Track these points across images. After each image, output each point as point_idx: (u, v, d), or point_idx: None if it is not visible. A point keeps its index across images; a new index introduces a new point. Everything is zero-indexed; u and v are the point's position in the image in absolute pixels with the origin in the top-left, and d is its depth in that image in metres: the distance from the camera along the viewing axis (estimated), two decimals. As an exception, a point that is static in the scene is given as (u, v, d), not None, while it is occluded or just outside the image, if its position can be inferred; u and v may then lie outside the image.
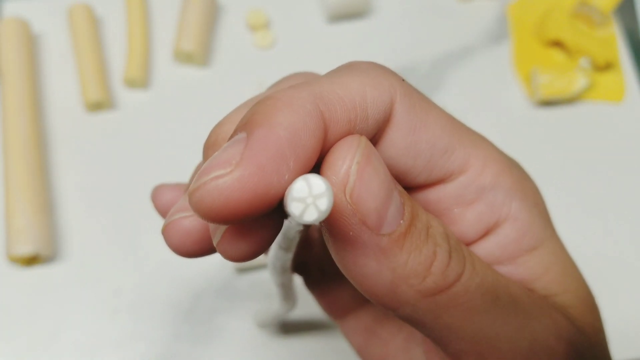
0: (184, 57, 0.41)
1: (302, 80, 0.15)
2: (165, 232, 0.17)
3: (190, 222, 0.17)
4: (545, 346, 0.16)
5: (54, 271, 0.36)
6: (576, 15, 0.43)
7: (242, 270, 0.36)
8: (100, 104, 0.40)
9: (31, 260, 0.36)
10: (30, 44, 0.41)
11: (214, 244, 0.15)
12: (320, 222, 0.14)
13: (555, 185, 0.39)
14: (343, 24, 0.44)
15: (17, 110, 0.38)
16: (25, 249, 0.35)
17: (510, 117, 0.41)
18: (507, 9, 0.45)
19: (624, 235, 0.38)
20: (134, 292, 0.36)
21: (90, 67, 0.40)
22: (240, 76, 0.42)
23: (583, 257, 0.23)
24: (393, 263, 0.14)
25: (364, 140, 0.14)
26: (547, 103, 0.42)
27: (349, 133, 0.15)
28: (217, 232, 0.15)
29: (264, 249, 0.15)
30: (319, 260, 0.23)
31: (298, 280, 0.24)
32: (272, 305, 0.27)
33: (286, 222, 0.15)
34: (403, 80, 0.16)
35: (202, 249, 0.17)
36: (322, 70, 0.18)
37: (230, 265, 0.36)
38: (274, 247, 0.18)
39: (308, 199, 0.13)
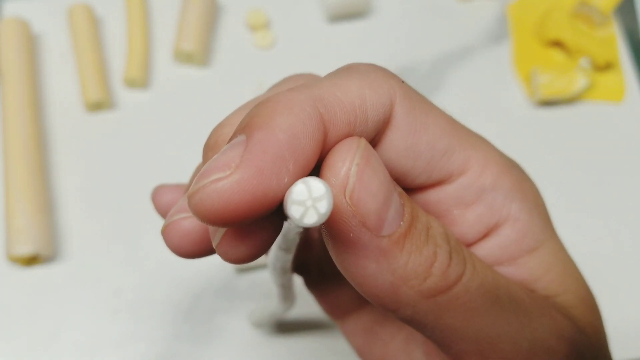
0: (184, 57, 0.41)
1: (302, 82, 0.15)
2: (164, 232, 0.17)
3: (189, 223, 0.17)
4: (546, 346, 0.16)
5: (54, 271, 0.36)
6: (576, 15, 0.43)
7: (242, 271, 0.36)
8: (100, 104, 0.40)
9: (31, 260, 0.36)
10: (30, 44, 0.41)
11: (214, 245, 0.15)
12: (320, 224, 0.14)
13: (555, 185, 0.39)
14: (343, 24, 0.44)
15: (17, 110, 0.38)
16: (25, 249, 0.35)
17: (510, 117, 0.41)
18: (507, 9, 0.45)
19: (624, 235, 0.38)
20: (133, 292, 0.36)
21: (90, 67, 0.40)
22: (240, 76, 0.42)
23: (583, 256, 0.23)
24: (393, 264, 0.14)
25: (363, 142, 0.14)
26: (547, 103, 0.42)
27: (348, 135, 0.15)
28: (217, 234, 0.15)
29: (263, 251, 0.15)
30: (319, 260, 0.23)
31: (298, 281, 0.24)
32: (268, 304, 0.27)
33: (286, 224, 0.15)
34: (403, 82, 0.16)
35: (201, 250, 0.17)
36: (322, 70, 0.18)
37: (230, 265, 0.36)
38: (274, 248, 0.18)
39: (308, 202, 0.13)
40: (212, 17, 0.43)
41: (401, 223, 0.14)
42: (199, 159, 0.19)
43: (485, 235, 0.18)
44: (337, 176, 0.14)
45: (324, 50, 0.43)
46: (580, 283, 0.18)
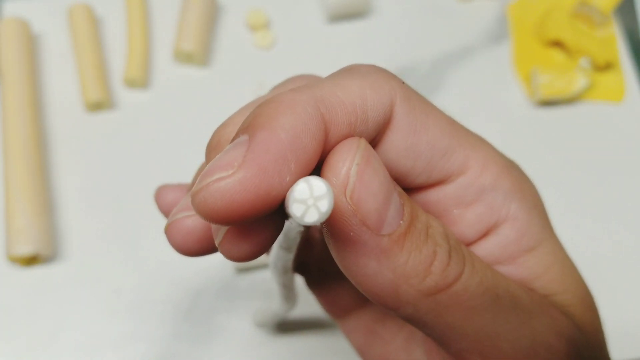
0: (184, 57, 0.41)
1: (304, 83, 0.15)
2: (167, 231, 0.17)
3: (192, 222, 0.17)
4: (545, 344, 0.16)
5: (54, 271, 0.36)
6: (576, 15, 0.43)
7: (242, 270, 0.36)
8: (100, 104, 0.40)
9: (31, 260, 0.36)
10: (30, 44, 0.41)
11: (216, 243, 0.15)
12: (321, 223, 0.14)
13: (555, 185, 0.39)
14: (343, 24, 0.44)
15: (17, 110, 0.38)
16: (25, 249, 0.35)
17: (510, 117, 0.41)
18: (507, 9, 0.45)
19: (624, 235, 0.38)
20: (133, 292, 0.36)
21: (90, 67, 0.40)
22: (240, 76, 0.42)
23: (582, 256, 0.23)
24: (393, 263, 0.15)
25: (363, 143, 0.14)
26: (547, 103, 0.42)
27: (349, 135, 0.15)
28: (219, 232, 0.15)
29: (265, 249, 0.15)
30: (320, 260, 0.23)
31: (299, 280, 0.24)
32: (272, 304, 0.27)
33: (287, 223, 0.15)
34: (403, 83, 0.16)
35: (204, 248, 0.17)
36: (323, 70, 0.18)
37: (230, 265, 0.36)
38: (275, 247, 0.18)
39: (309, 201, 0.13)
40: (212, 17, 0.43)
41: (401, 222, 0.15)
42: (199, 158, 0.19)
43: (484, 235, 0.18)
44: (337, 176, 0.14)
45: (324, 50, 0.43)
46: (578, 282, 0.18)
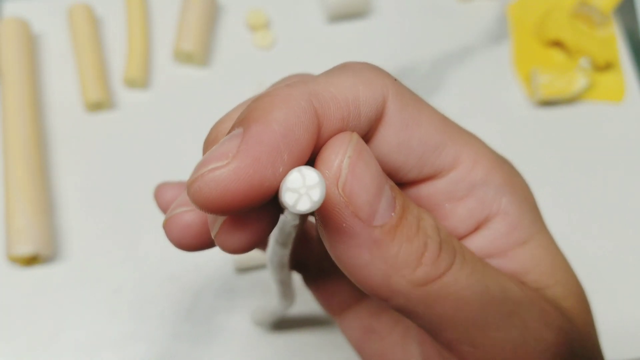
0: (184, 57, 0.41)
1: (298, 80, 0.16)
2: (166, 225, 0.18)
3: (190, 216, 0.17)
4: (535, 335, 0.16)
5: (54, 271, 0.36)
6: (576, 15, 0.43)
7: (241, 270, 0.36)
8: (100, 104, 0.40)
9: (31, 260, 0.36)
10: (30, 44, 0.41)
11: (212, 235, 0.15)
12: (315, 215, 0.15)
13: (554, 185, 0.39)
14: (343, 24, 0.44)
15: (17, 110, 0.38)
16: (25, 249, 0.35)
17: (510, 117, 0.41)
18: (507, 9, 0.45)
19: (624, 235, 0.38)
20: (133, 292, 0.36)
21: (90, 67, 0.40)
22: (240, 76, 0.42)
23: (582, 256, 0.23)
24: (385, 254, 0.15)
25: (355, 137, 0.15)
26: (547, 103, 0.42)
27: (342, 130, 0.15)
28: (215, 224, 0.15)
29: (260, 241, 0.15)
30: (317, 258, 0.23)
31: (297, 278, 0.24)
32: (270, 302, 0.27)
33: (282, 217, 0.16)
34: (395, 80, 0.17)
35: (201, 242, 0.18)
36: (322, 70, 0.18)
37: (230, 265, 0.36)
38: (271, 243, 0.19)
39: (302, 190, 0.13)
40: (212, 17, 0.43)
41: (393, 214, 0.15)
42: (199, 158, 0.19)
43: (476, 229, 0.18)
44: (330, 168, 0.14)
45: (324, 50, 0.43)
46: (570, 276, 0.19)
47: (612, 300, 0.36)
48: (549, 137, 0.41)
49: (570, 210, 0.39)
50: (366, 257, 0.15)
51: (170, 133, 0.40)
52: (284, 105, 0.14)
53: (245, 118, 0.14)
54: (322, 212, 0.15)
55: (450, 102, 0.41)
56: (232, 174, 0.13)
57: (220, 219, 0.15)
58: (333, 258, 0.16)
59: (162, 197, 0.20)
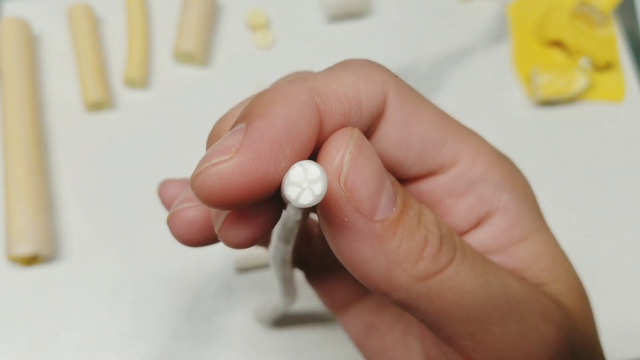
0: (184, 57, 0.42)
1: (300, 77, 0.16)
2: (170, 221, 0.18)
3: (193, 212, 0.17)
4: (535, 330, 0.16)
5: (54, 271, 0.36)
6: (576, 15, 0.43)
7: (242, 270, 0.36)
8: (100, 104, 0.40)
9: (31, 260, 0.36)
10: (30, 44, 0.41)
11: (215, 230, 0.16)
12: (317, 210, 0.15)
13: (554, 185, 0.39)
14: (343, 24, 0.44)
15: (17, 110, 0.38)
16: (25, 249, 0.35)
17: (510, 117, 0.41)
18: (507, 9, 0.45)
19: (624, 235, 0.38)
20: (133, 292, 0.36)
21: (90, 67, 0.40)
22: (240, 76, 0.42)
23: (583, 256, 0.23)
24: (386, 248, 0.15)
25: (356, 132, 0.15)
26: (547, 103, 0.42)
27: (343, 126, 0.15)
28: (219, 219, 0.15)
29: (262, 235, 0.15)
30: (318, 255, 0.23)
31: (299, 275, 0.24)
32: (272, 299, 0.27)
33: (284, 213, 0.16)
34: (396, 76, 0.17)
35: (205, 238, 0.18)
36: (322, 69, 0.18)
37: (230, 265, 0.36)
38: (274, 240, 0.19)
39: (304, 184, 0.13)
40: (212, 17, 0.43)
41: (394, 209, 0.15)
42: (199, 158, 0.19)
43: (476, 225, 0.18)
44: (331, 163, 0.15)
45: (324, 50, 0.43)
46: (569, 272, 0.19)
47: (612, 299, 0.36)
48: (549, 137, 0.41)
49: (570, 209, 0.39)
50: (367, 251, 0.15)
51: (170, 133, 0.40)
52: (286, 100, 0.14)
53: (247, 114, 0.14)
54: (324, 206, 0.15)
55: (450, 102, 0.41)
56: (235, 168, 0.13)
57: (224, 214, 0.15)
58: (335, 252, 0.16)
59: (166, 193, 0.20)
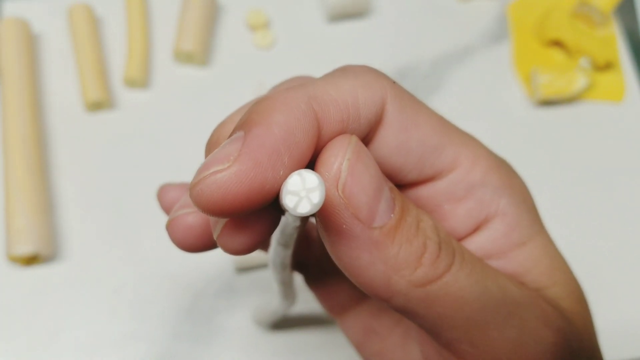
0: (184, 57, 0.42)
1: (299, 83, 0.16)
2: (169, 227, 0.18)
3: (193, 218, 0.17)
4: (534, 335, 0.16)
5: (54, 271, 0.36)
6: (576, 15, 0.43)
7: (242, 270, 0.36)
8: (100, 104, 0.40)
9: (31, 260, 0.36)
10: (30, 44, 0.41)
11: (214, 237, 0.16)
12: (315, 216, 0.15)
13: (554, 185, 0.39)
14: (343, 24, 0.44)
15: (17, 110, 0.38)
16: (25, 249, 0.35)
17: (510, 117, 0.41)
18: (507, 9, 0.45)
19: (624, 235, 0.38)
20: (133, 292, 0.36)
21: (90, 67, 0.40)
22: (240, 76, 0.42)
23: (582, 256, 0.23)
24: (385, 255, 0.15)
25: (354, 139, 0.15)
26: (547, 103, 0.42)
27: (341, 132, 0.15)
28: (217, 226, 0.15)
29: (261, 242, 0.15)
30: (318, 259, 0.23)
31: (298, 278, 0.24)
32: (272, 302, 0.27)
33: (283, 219, 0.16)
34: (394, 82, 0.17)
35: (204, 244, 0.18)
36: (323, 70, 0.18)
37: (231, 264, 0.36)
38: (273, 244, 0.19)
39: (302, 192, 0.13)
40: (212, 17, 0.43)
41: (392, 216, 0.15)
42: (199, 158, 0.19)
43: (475, 230, 0.18)
44: (329, 170, 0.15)
45: (324, 50, 0.43)
46: (568, 276, 0.19)
47: (612, 300, 0.36)
48: (548, 137, 0.41)
49: (570, 209, 0.39)
50: (366, 258, 0.15)
51: (170, 133, 0.40)
52: (284, 108, 0.14)
53: (246, 121, 0.14)
54: (323, 213, 0.15)
55: (450, 102, 0.41)
56: (234, 176, 0.13)
57: (222, 221, 0.15)
58: (333, 259, 0.16)
59: (165, 198, 0.20)
